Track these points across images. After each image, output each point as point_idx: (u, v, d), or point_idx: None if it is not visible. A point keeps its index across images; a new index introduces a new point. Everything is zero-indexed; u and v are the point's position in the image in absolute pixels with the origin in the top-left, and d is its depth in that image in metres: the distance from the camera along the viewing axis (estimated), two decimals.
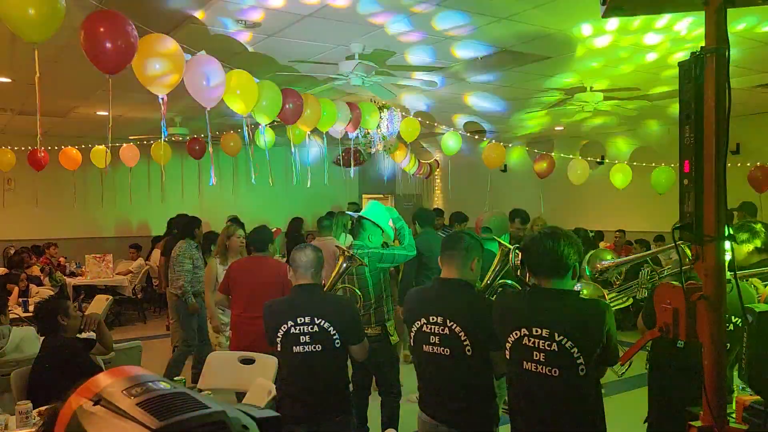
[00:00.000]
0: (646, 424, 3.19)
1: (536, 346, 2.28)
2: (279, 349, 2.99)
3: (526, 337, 2.31)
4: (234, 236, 5.26)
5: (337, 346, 2.96)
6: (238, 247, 5.29)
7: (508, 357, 2.41)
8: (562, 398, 2.27)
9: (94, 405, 0.80)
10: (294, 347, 2.94)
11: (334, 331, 2.94)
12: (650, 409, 3.16)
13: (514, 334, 2.35)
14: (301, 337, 2.93)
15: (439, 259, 2.82)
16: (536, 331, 2.28)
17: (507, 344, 2.39)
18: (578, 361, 2.21)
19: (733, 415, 1.88)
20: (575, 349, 2.21)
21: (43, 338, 3.81)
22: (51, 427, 0.87)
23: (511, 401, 2.48)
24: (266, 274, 4.42)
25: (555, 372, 2.25)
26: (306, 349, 2.93)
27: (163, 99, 3.75)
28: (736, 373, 2.60)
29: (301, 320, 2.93)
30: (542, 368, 2.27)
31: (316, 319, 2.93)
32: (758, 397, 1.85)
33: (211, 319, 5.21)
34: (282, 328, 2.95)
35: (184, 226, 6.34)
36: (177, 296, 6.03)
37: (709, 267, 1.65)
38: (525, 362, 2.32)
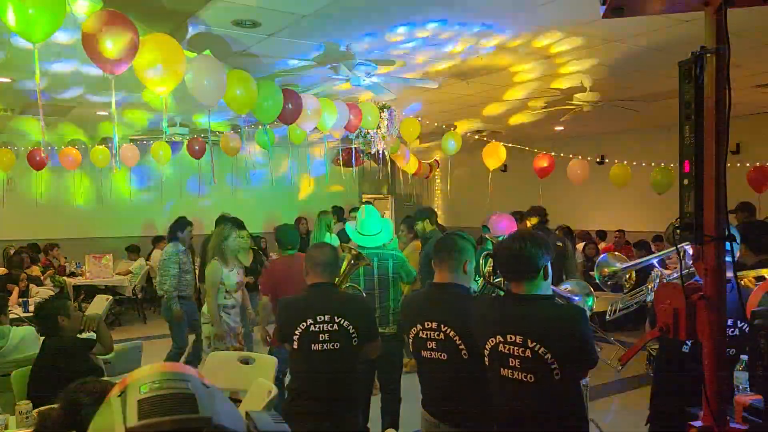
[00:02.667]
0: (648, 425, 3.18)
1: (511, 352, 2.30)
2: (296, 346, 2.97)
3: (501, 344, 2.33)
4: (230, 238, 5.08)
5: (354, 344, 2.99)
6: (236, 248, 5.17)
7: (487, 364, 2.42)
8: (540, 403, 2.29)
9: (118, 396, 0.83)
10: (312, 345, 2.94)
11: (353, 330, 2.96)
12: (652, 411, 3.15)
13: (490, 341, 2.37)
14: (321, 335, 2.93)
15: (432, 263, 2.84)
16: (510, 338, 2.30)
17: (485, 351, 2.41)
18: (552, 366, 2.22)
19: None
20: (548, 355, 2.22)
21: (43, 338, 3.81)
22: (42, 428, 0.90)
23: (494, 407, 2.49)
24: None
25: (530, 378, 2.26)
26: (325, 347, 2.93)
27: (163, 99, 3.76)
28: (736, 373, 2.61)
29: (320, 318, 2.93)
30: (518, 374, 2.29)
31: (336, 317, 2.94)
32: (758, 397, 1.85)
33: (215, 325, 4.91)
34: (300, 326, 2.94)
35: (170, 229, 6.13)
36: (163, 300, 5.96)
37: (709, 267, 1.65)
38: (502, 369, 2.34)
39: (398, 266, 4.31)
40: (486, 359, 2.42)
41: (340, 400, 3.01)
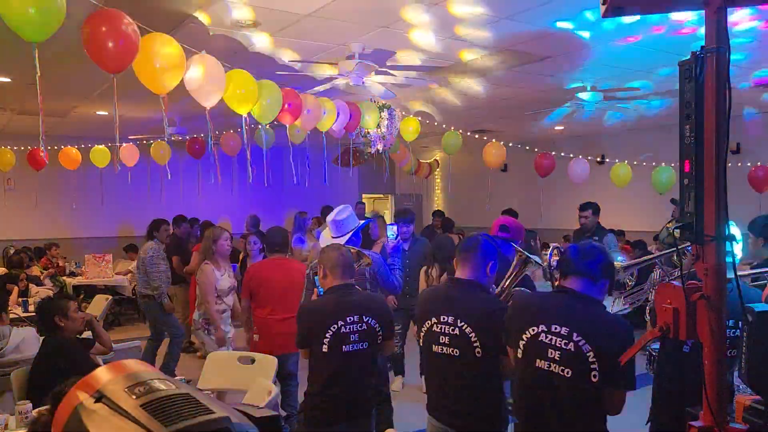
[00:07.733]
0: (648, 425, 3.18)
1: (552, 343, 2.25)
2: (325, 349, 2.96)
3: (543, 334, 2.28)
4: (221, 239, 4.93)
5: (379, 342, 3.06)
6: (226, 250, 5.03)
7: (520, 355, 2.35)
8: (569, 402, 2.21)
9: (95, 402, 0.79)
10: (343, 346, 2.96)
11: (379, 328, 3.03)
12: (653, 411, 3.15)
13: (531, 330, 2.31)
14: (351, 335, 2.97)
15: (455, 260, 2.83)
16: (555, 329, 2.25)
17: (521, 341, 2.34)
18: (592, 366, 2.16)
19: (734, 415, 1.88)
20: (591, 353, 2.17)
21: (43, 338, 3.81)
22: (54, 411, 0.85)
23: (516, 399, 2.44)
24: (295, 275, 4.41)
25: (567, 373, 2.20)
26: (354, 347, 2.97)
27: (163, 98, 3.75)
28: (737, 373, 2.61)
29: (350, 319, 2.97)
30: (555, 367, 2.23)
31: (364, 317, 2.99)
32: (758, 397, 1.85)
33: (217, 329, 4.78)
34: (331, 328, 2.94)
35: (149, 227, 6.30)
36: (149, 297, 6.03)
37: (709, 267, 1.65)
38: (538, 360, 2.28)
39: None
40: (519, 351, 2.36)
41: (364, 399, 3.06)
